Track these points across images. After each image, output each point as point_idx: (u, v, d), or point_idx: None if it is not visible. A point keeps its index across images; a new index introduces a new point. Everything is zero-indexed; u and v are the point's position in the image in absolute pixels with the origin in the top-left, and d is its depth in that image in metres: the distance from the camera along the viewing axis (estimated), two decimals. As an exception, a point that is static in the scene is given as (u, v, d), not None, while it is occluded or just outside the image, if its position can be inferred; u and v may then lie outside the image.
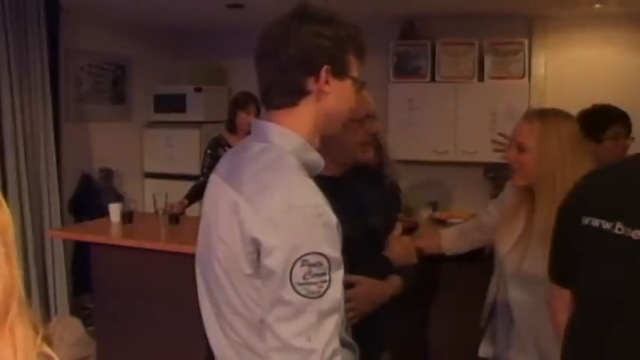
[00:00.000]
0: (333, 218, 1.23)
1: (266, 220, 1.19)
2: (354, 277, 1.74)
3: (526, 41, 4.75)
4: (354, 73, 1.37)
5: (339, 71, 1.33)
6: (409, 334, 2.07)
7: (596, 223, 1.34)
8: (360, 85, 1.40)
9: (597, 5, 4.28)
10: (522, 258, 1.96)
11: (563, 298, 1.50)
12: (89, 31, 4.99)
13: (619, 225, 1.30)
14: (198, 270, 1.45)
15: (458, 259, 2.40)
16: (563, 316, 1.50)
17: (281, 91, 1.33)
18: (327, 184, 1.88)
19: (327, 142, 1.87)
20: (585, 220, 1.36)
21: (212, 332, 1.38)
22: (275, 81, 1.33)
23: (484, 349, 2.18)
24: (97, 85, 5.15)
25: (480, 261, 2.24)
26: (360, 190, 1.93)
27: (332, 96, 1.33)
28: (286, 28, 1.31)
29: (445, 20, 5.00)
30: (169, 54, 5.99)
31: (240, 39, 4.37)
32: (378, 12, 4.67)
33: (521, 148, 1.98)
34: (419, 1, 4.46)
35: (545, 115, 2.00)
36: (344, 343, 1.36)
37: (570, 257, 1.44)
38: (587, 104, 2.76)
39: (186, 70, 5.97)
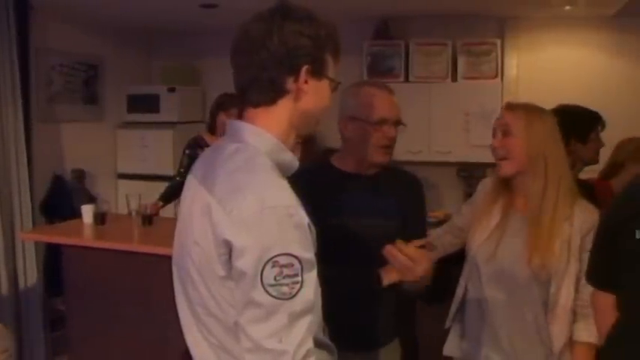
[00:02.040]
0: (305, 219, 1.23)
1: (238, 222, 1.18)
2: None
3: (498, 42, 4.80)
4: (331, 73, 1.37)
5: (318, 71, 1.33)
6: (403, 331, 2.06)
7: None
8: (336, 85, 1.39)
9: (567, 7, 4.35)
10: (495, 248, 1.99)
11: (602, 300, 1.68)
12: (60, 29, 4.91)
13: None
14: (174, 271, 1.44)
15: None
16: (602, 317, 1.70)
17: (260, 89, 1.31)
18: (342, 178, 1.95)
19: (345, 140, 1.96)
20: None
21: (189, 333, 1.38)
22: (255, 78, 1.31)
23: (449, 349, 2.18)
24: (68, 84, 5.08)
25: (454, 263, 2.24)
26: (369, 191, 1.94)
27: (310, 96, 1.33)
28: (267, 24, 1.29)
29: (419, 20, 5.03)
30: (142, 54, 5.93)
31: (214, 39, 4.36)
32: (352, 12, 4.68)
33: (506, 133, 1.98)
34: (393, 1, 4.48)
35: (527, 105, 2.03)
36: (321, 344, 1.35)
37: (614, 264, 1.59)
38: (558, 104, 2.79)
39: (159, 70, 5.91)
